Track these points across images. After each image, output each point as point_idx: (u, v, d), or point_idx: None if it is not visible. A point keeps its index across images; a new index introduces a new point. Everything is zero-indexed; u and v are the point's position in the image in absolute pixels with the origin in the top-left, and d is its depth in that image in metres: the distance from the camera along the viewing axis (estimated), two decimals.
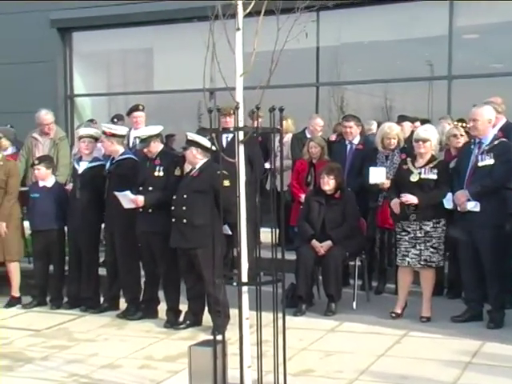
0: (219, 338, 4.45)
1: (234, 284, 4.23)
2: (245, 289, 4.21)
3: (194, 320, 6.45)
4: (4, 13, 12.22)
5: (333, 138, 8.92)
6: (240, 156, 4.03)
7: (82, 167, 7.23)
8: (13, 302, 7.47)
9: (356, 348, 5.72)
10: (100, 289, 7.33)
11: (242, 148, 4.06)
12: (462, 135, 7.01)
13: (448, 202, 6.27)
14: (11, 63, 12.19)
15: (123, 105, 12.70)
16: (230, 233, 6.05)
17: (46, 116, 8.51)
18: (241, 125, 4.04)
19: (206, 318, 6.42)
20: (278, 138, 4.78)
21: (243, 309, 4.18)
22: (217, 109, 3.96)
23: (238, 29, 3.87)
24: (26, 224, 7.74)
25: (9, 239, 7.40)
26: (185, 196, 6.20)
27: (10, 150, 8.72)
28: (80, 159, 7.36)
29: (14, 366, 5.47)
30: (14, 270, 7.49)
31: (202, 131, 7.47)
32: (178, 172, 6.54)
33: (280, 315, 4.21)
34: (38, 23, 12.06)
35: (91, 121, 8.94)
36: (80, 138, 7.37)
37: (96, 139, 7.30)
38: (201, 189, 6.09)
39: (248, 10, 3.85)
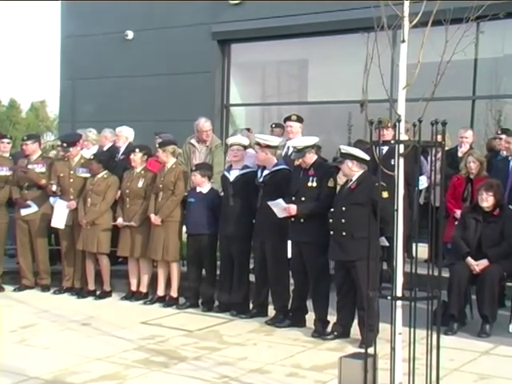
0: (370, 351, 4.41)
1: (388, 298, 4.18)
2: (399, 303, 4.15)
3: (343, 331, 6.44)
4: (170, 27, 12.85)
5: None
6: (400, 169, 3.98)
7: (233, 175, 7.42)
8: (170, 303, 7.79)
9: None
10: (250, 295, 7.49)
11: (401, 161, 4.01)
12: None
13: None
14: (174, 74, 12.78)
15: (276, 115, 12.94)
16: (387, 244, 5.99)
17: (205, 123, 8.85)
18: (402, 138, 3.99)
19: (354, 330, 6.39)
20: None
21: (396, 324, 4.12)
22: (378, 121, 3.93)
23: (403, 41, 3.83)
24: (184, 228, 8.06)
25: (168, 240, 7.72)
26: (343, 208, 6.22)
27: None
28: (230, 167, 7.57)
29: (169, 364, 5.70)
30: (175, 271, 7.80)
31: (359, 143, 7.45)
32: (331, 183, 6.56)
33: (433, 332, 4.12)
34: (200, 36, 12.55)
35: (248, 129, 9.15)
36: (230, 146, 7.59)
37: (245, 147, 7.48)
38: (359, 201, 6.07)
39: (414, 23, 3.80)
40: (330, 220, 6.29)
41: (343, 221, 6.20)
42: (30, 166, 8.56)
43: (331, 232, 6.28)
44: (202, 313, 7.52)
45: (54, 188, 8.34)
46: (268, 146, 7.03)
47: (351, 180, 6.31)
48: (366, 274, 5.71)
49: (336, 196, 6.37)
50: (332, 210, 6.29)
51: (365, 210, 5.95)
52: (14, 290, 8.59)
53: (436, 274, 4.13)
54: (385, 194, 4.93)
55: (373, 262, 4.68)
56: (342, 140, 11.02)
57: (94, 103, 13.67)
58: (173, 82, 12.78)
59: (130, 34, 13.51)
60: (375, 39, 3.79)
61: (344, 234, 6.19)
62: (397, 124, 3.95)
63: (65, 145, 8.51)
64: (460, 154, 8.25)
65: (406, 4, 3.82)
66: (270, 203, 6.73)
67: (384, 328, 4.83)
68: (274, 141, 7.22)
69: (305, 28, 11.62)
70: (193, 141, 8.97)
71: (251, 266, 7.63)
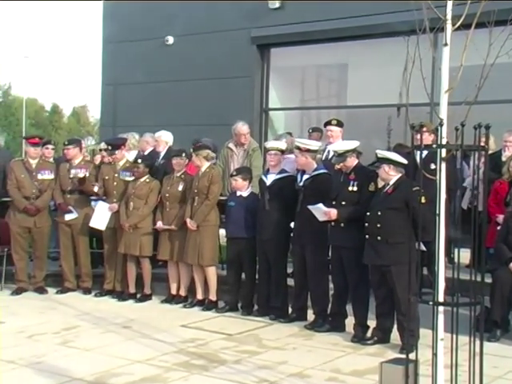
0: (411, 356, 4.37)
1: (430, 303, 4.14)
2: (440, 309, 4.11)
3: (382, 337, 6.40)
4: (210, 32, 12.93)
5: None
6: (442, 173, 3.95)
7: (269, 179, 7.44)
8: (210, 306, 7.82)
9: None
10: (288, 299, 7.48)
11: (443, 165, 3.97)
12: None
13: None
14: (214, 78, 12.86)
15: (315, 119, 12.92)
16: (424, 249, 5.94)
17: (242, 127, 8.93)
18: (443, 142, 3.95)
19: (394, 335, 6.34)
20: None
21: (438, 329, 4.08)
22: (420, 125, 3.90)
23: (446, 44, 3.80)
24: (222, 232, 8.09)
25: (203, 245, 7.77)
26: (379, 213, 6.19)
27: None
28: (267, 171, 7.58)
29: (209, 367, 5.73)
30: (211, 275, 7.85)
31: (398, 147, 7.40)
32: (372, 188, 6.53)
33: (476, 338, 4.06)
34: (240, 41, 12.61)
35: (289, 134, 9.17)
36: (267, 150, 7.60)
37: (282, 152, 7.49)
38: (395, 206, 6.05)
39: (457, 25, 3.76)
40: (366, 224, 6.27)
41: (378, 225, 6.17)
42: (72, 171, 8.69)
43: (367, 236, 6.27)
44: (242, 316, 7.53)
45: (95, 189, 8.46)
46: (308, 150, 7.03)
47: (388, 184, 6.28)
48: (402, 279, 5.75)
49: (373, 200, 6.34)
50: (368, 214, 6.27)
51: (401, 215, 5.96)
52: (57, 293, 8.72)
53: (479, 279, 4.08)
54: (422, 199, 4.90)
55: (412, 267, 4.64)
56: (382, 144, 10.96)
57: (134, 108, 13.83)
58: (212, 87, 12.85)
59: (171, 39, 13.64)
60: (417, 42, 3.76)
61: (379, 238, 6.16)
62: (439, 128, 3.91)
63: (110, 148, 8.62)
64: (504, 159, 8.12)
65: (449, 6, 3.79)
66: (310, 207, 6.73)
67: (424, 334, 4.80)
68: (315, 145, 7.22)
69: (345, 32, 11.59)
70: (231, 145, 9.05)
71: (290, 270, 7.64)
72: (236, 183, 7.71)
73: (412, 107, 4.73)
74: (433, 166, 5.46)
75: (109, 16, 14.75)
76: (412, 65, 3.84)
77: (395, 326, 6.34)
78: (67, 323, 7.17)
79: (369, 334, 6.54)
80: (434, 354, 4.08)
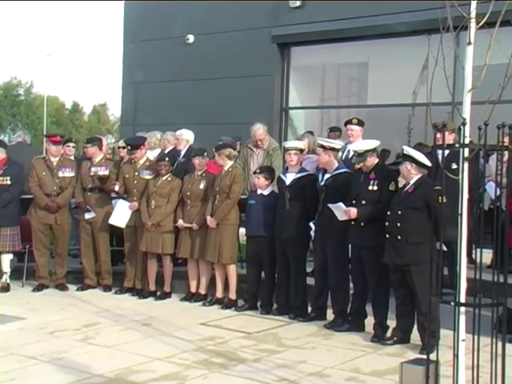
0: (432, 357, 4.35)
1: (452, 304, 4.11)
2: (462, 310, 4.08)
3: (402, 337, 6.37)
4: (230, 30, 12.94)
5: None
6: (464, 173, 3.92)
7: (289, 178, 7.43)
8: (229, 304, 7.84)
9: None
10: (308, 298, 7.47)
11: (466, 165, 3.94)
12: None
13: None
14: (234, 77, 12.88)
15: (335, 118, 12.91)
16: (445, 249, 5.90)
17: (257, 131, 8.97)
18: (466, 141, 3.93)
19: (414, 335, 6.31)
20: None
21: (460, 330, 4.05)
22: (443, 124, 3.88)
23: (470, 43, 3.77)
24: (242, 230, 8.10)
25: (222, 243, 7.78)
26: (399, 212, 6.16)
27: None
28: (286, 170, 7.57)
29: (228, 365, 5.74)
30: (232, 273, 7.86)
31: (419, 146, 7.36)
32: (392, 187, 6.50)
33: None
34: (260, 39, 12.62)
35: (311, 133, 9.16)
36: (286, 149, 7.59)
37: (301, 151, 7.47)
38: (416, 205, 6.03)
39: (481, 24, 3.73)
40: (386, 223, 6.25)
41: (398, 224, 6.15)
42: (92, 169, 8.74)
43: (387, 235, 6.25)
44: (261, 315, 7.53)
45: (116, 188, 8.51)
46: (332, 149, 7.03)
47: (409, 183, 6.25)
48: (422, 279, 5.73)
49: (393, 199, 6.32)
50: (388, 213, 6.25)
51: (421, 215, 5.93)
52: (77, 290, 8.78)
53: (501, 280, 4.05)
54: (443, 199, 4.86)
55: (432, 267, 4.61)
56: (402, 143, 10.87)
57: (154, 106, 13.89)
58: (232, 86, 12.87)
59: (191, 38, 13.68)
60: (440, 41, 3.74)
61: (399, 238, 6.14)
62: (461, 127, 3.89)
63: (129, 148, 8.67)
64: None
65: (473, 5, 3.76)
66: (330, 205, 6.73)
67: (445, 334, 4.76)
68: (338, 144, 7.22)
69: (365, 30, 11.55)
70: (250, 145, 9.09)
71: (310, 269, 7.63)
72: (258, 181, 7.71)
73: (432, 106, 4.70)
74: (454, 166, 5.44)
75: (130, 15, 14.84)
76: (435, 64, 3.81)
77: (415, 326, 6.31)
78: (88, 320, 7.22)
79: (389, 333, 6.51)
80: (456, 355, 4.06)
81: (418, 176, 6.20)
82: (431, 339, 4.92)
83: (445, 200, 5.04)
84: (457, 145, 3.92)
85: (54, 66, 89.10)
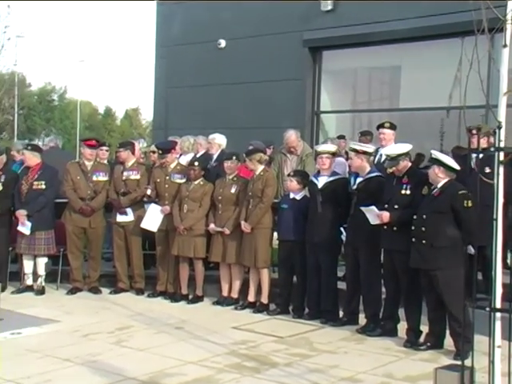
0: (467, 363, 4.30)
1: (487, 309, 4.07)
2: (498, 315, 4.04)
3: (435, 342, 6.31)
4: (262, 34, 12.96)
5: None
6: (500, 177, 3.88)
7: (321, 182, 7.41)
8: (261, 308, 7.84)
9: None
10: (339, 302, 7.44)
11: (501, 169, 3.90)
12: None
13: None
14: (265, 81, 12.88)
15: (366, 122, 12.84)
16: (472, 252, 5.85)
17: (290, 138, 8.99)
18: (501, 145, 3.89)
19: (448, 340, 6.25)
20: None
21: (496, 336, 4.00)
22: (477, 128, 3.85)
23: (505, 45, 3.73)
24: (274, 234, 8.10)
25: (257, 247, 7.78)
26: (424, 216, 6.13)
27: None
28: (318, 174, 7.55)
29: (260, 369, 5.74)
30: (265, 277, 7.86)
31: (457, 150, 7.29)
32: (425, 191, 6.43)
33: None
34: (291, 43, 12.59)
35: (342, 137, 9.14)
36: (318, 153, 7.57)
37: (333, 154, 7.46)
38: (441, 209, 6.00)
39: None
40: (412, 227, 6.22)
41: (423, 229, 6.11)
42: (125, 173, 8.82)
43: (412, 239, 6.21)
44: (293, 319, 7.52)
45: (148, 192, 8.58)
46: (365, 153, 7.00)
47: (436, 187, 6.20)
48: (449, 284, 5.66)
49: (421, 203, 6.27)
50: (414, 217, 6.20)
51: (446, 219, 5.89)
52: (110, 293, 8.86)
53: None
54: (469, 203, 4.82)
55: (460, 271, 4.56)
56: (434, 147, 10.81)
57: (186, 111, 13.96)
58: (264, 90, 12.87)
59: (223, 43, 13.72)
60: (475, 44, 3.70)
61: (424, 242, 6.11)
62: (497, 131, 3.84)
63: (160, 152, 8.73)
64: None
65: (510, 6, 3.71)
66: (363, 209, 6.71)
67: (479, 340, 4.71)
68: (371, 148, 7.21)
69: (397, 34, 11.47)
70: (284, 150, 9.11)
71: (341, 274, 7.59)
72: (291, 184, 7.71)
73: (466, 109, 4.66)
74: (487, 170, 5.38)
75: (162, 20, 14.93)
76: (470, 66, 3.78)
77: (448, 332, 6.25)
78: (121, 323, 7.28)
79: (422, 339, 6.46)
80: (491, 362, 4.02)
81: (446, 180, 6.15)
82: (466, 345, 4.89)
83: (470, 204, 5.00)
84: (492, 148, 3.87)
85: (87, 71, 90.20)
